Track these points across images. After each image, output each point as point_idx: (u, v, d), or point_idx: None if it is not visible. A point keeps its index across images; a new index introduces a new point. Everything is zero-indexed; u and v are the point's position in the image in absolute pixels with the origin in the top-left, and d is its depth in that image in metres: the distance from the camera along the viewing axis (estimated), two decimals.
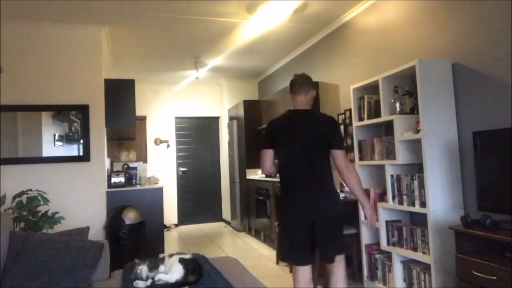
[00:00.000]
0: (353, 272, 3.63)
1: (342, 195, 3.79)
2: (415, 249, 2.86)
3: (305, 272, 2.39)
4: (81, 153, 4.06)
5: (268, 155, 2.46)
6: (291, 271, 3.96)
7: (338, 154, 2.34)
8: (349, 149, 4.16)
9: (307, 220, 2.33)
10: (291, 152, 2.39)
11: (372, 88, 3.35)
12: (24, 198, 3.31)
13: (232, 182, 6.75)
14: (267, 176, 5.40)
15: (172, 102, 7.43)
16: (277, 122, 2.52)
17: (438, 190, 2.69)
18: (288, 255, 2.50)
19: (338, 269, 2.46)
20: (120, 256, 3.44)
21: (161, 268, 2.02)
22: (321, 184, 2.36)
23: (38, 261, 2.14)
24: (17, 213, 3.22)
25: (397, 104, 3.01)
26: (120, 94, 4.30)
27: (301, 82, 2.47)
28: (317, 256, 2.60)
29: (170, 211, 7.10)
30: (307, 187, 2.35)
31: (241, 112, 6.47)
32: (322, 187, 2.36)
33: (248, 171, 6.36)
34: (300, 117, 2.44)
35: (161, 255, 2.23)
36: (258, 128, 6.16)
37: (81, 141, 4.07)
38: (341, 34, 4.36)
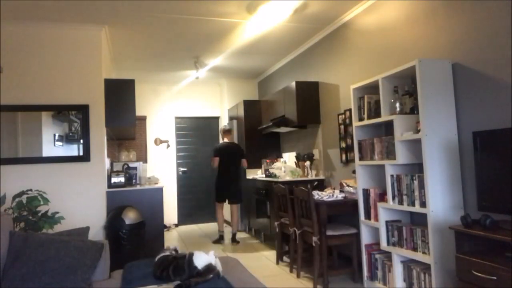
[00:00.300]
0: (353, 272, 3.63)
1: (342, 195, 3.80)
2: (415, 249, 2.86)
3: (222, 206, 5.75)
4: (81, 153, 4.07)
5: (217, 160, 5.63)
6: (291, 271, 3.97)
7: (244, 161, 5.73)
8: (349, 149, 4.16)
9: (227, 189, 5.62)
10: (225, 160, 5.64)
11: (372, 88, 3.35)
12: (24, 198, 3.32)
13: None
14: (267, 176, 5.40)
15: (172, 102, 7.43)
16: (221, 146, 5.76)
17: (438, 190, 2.69)
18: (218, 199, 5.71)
19: (235, 209, 5.68)
20: (120, 256, 3.44)
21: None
22: (237, 175, 5.67)
23: (38, 261, 2.14)
24: (17, 213, 3.23)
25: (397, 104, 3.01)
26: (120, 94, 4.30)
27: (228, 130, 5.84)
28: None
29: (170, 211, 7.10)
30: (229, 176, 5.64)
31: (241, 112, 6.47)
32: (237, 177, 5.68)
33: (248, 171, 6.37)
34: (228, 144, 5.74)
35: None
36: (259, 128, 6.17)
37: (81, 141, 4.08)
38: (341, 34, 4.36)
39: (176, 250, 2.38)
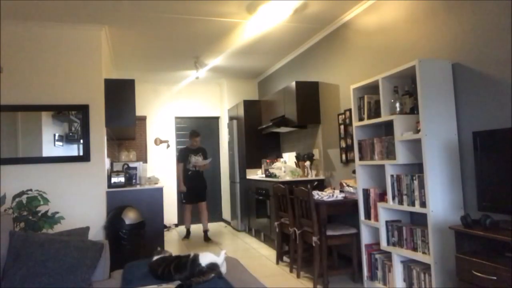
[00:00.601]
0: (353, 272, 3.63)
1: (342, 195, 3.79)
2: (415, 249, 2.86)
3: (190, 208, 6.10)
4: (81, 153, 4.07)
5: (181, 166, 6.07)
6: (291, 271, 3.97)
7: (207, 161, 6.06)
8: (349, 149, 4.16)
9: (194, 188, 5.99)
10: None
11: (372, 88, 3.35)
12: (24, 198, 3.32)
13: (232, 182, 6.75)
14: (267, 176, 5.40)
15: (172, 102, 7.43)
16: (185, 148, 6.16)
17: (438, 190, 2.69)
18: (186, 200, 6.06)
19: (203, 208, 6.02)
20: (120, 256, 3.44)
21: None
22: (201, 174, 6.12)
23: (38, 261, 2.14)
24: (17, 213, 3.23)
25: (397, 104, 3.01)
26: (120, 94, 4.30)
27: (196, 134, 6.10)
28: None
29: (170, 211, 7.10)
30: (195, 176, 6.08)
31: (241, 112, 6.47)
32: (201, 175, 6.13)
33: (248, 171, 6.36)
34: (194, 148, 6.11)
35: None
36: (259, 128, 6.17)
37: (81, 141, 4.08)
38: (341, 34, 4.36)
39: (170, 254, 2.37)
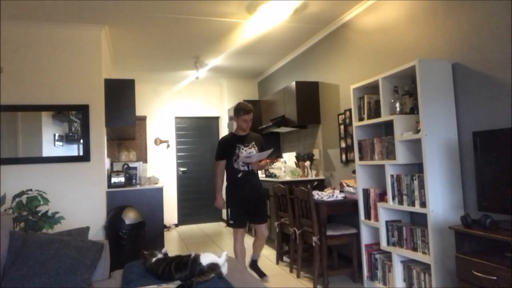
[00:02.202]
0: (353, 272, 3.63)
1: (342, 195, 3.79)
2: (415, 249, 2.86)
3: (243, 234, 3.72)
4: (81, 153, 4.06)
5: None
6: (291, 271, 3.97)
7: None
8: (349, 149, 4.16)
9: (247, 200, 3.66)
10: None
11: (372, 88, 3.35)
12: (24, 198, 3.31)
13: None
14: (267, 176, 5.40)
15: (172, 102, 7.43)
16: (230, 136, 3.86)
17: (438, 190, 2.69)
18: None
19: (262, 232, 3.70)
20: (120, 256, 3.44)
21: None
22: (255, 177, 3.76)
23: (38, 261, 2.14)
24: (17, 213, 3.22)
25: (397, 104, 3.01)
26: (120, 94, 4.30)
27: (247, 109, 3.67)
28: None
29: (170, 211, 7.10)
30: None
31: None
32: (256, 179, 3.77)
33: None
34: (243, 135, 3.79)
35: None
36: (259, 128, 6.17)
37: (81, 141, 4.07)
38: (341, 34, 4.36)
39: (166, 254, 2.36)
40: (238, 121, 3.66)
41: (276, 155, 6.20)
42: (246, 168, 3.61)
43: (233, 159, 3.60)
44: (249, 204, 3.60)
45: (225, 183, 3.67)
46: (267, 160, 3.85)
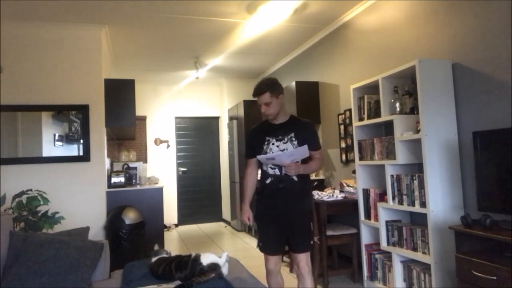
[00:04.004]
0: (353, 272, 3.63)
1: (342, 195, 3.79)
2: (415, 249, 2.86)
3: (275, 262, 2.59)
4: (81, 153, 4.06)
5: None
6: (291, 271, 3.97)
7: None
8: (349, 149, 4.16)
9: (279, 216, 2.54)
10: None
11: (372, 88, 3.35)
12: (24, 198, 3.31)
13: (232, 182, 6.74)
14: None
15: (172, 102, 7.43)
16: (259, 127, 2.73)
17: (438, 190, 2.69)
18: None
19: (304, 262, 2.51)
20: (120, 256, 3.44)
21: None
22: (295, 185, 2.56)
23: (38, 261, 2.14)
24: (17, 213, 3.22)
25: (397, 104, 3.01)
26: (120, 94, 4.30)
27: (273, 86, 2.56)
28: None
29: (170, 211, 7.10)
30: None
31: (241, 112, 6.46)
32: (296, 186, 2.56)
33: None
34: (276, 123, 2.64)
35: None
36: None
37: (81, 141, 4.07)
38: (341, 34, 4.36)
39: (169, 253, 2.37)
40: (262, 105, 2.53)
41: None
42: (277, 171, 2.47)
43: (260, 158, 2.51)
44: (282, 223, 2.48)
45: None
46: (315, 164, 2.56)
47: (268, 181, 2.51)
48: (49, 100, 4.00)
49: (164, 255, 2.27)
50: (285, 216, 2.48)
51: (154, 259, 2.23)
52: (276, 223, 2.49)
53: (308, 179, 2.63)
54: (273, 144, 2.49)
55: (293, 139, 2.47)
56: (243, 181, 2.72)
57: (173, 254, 2.37)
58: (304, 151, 2.41)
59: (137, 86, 4.61)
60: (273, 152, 2.46)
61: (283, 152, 2.41)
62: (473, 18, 2.66)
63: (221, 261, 2.13)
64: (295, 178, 2.47)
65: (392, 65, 3.42)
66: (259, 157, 2.49)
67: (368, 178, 3.48)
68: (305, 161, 2.49)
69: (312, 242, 2.52)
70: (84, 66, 4.13)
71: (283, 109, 2.54)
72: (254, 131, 2.66)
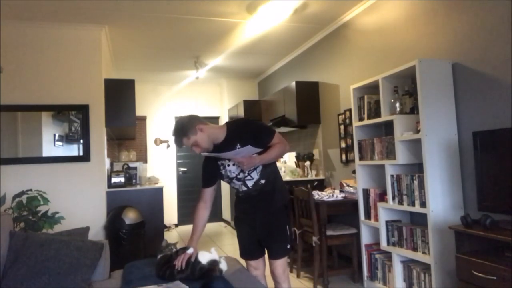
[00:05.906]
0: (353, 272, 3.63)
1: (342, 195, 3.79)
2: (415, 249, 2.86)
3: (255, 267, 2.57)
4: (81, 153, 4.06)
5: None
6: (291, 271, 3.97)
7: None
8: (349, 149, 4.16)
9: (252, 223, 2.44)
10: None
11: (372, 88, 3.35)
12: (24, 198, 3.32)
13: None
14: None
15: (172, 102, 7.43)
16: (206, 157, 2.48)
17: (438, 190, 2.69)
18: None
19: (279, 269, 2.45)
20: (120, 256, 3.44)
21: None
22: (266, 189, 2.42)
23: (38, 261, 2.14)
24: (17, 213, 3.23)
25: (397, 104, 3.01)
26: (120, 94, 4.30)
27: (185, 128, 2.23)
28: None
29: (170, 211, 7.10)
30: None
31: (241, 112, 6.46)
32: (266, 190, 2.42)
33: None
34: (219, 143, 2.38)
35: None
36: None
37: (81, 141, 4.07)
38: (341, 34, 4.36)
39: (175, 246, 2.37)
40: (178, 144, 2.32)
41: None
42: (243, 187, 2.34)
43: (227, 181, 2.40)
44: (256, 225, 2.37)
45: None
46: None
47: (241, 194, 2.41)
48: (49, 100, 4.00)
49: (168, 253, 2.26)
50: (259, 218, 2.35)
51: (160, 256, 2.23)
52: (250, 225, 2.39)
53: (276, 175, 2.41)
54: (228, 165, 2.32)
55: (239, 146, 2.22)
56: (193, 216, 2.51)
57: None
58: (248, 150, 2.15)
59: (137, 86, 4.61)
60: (233, 172, 2.30)
61: (226, 154, 2.19)
62: (473, 18, 2.66)
63: (215, 256, 2.15)
64: (262, 182, 2.30)
65: (392, 65, 3.42)
66: (230, 168, 2.31)
67: (368, 178, 3.48)
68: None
69: (289, 246, 2.36)
70: (84, 66, 4.13)
71: (212, 132, 2.28)
72: (205, 161, 2.41)
